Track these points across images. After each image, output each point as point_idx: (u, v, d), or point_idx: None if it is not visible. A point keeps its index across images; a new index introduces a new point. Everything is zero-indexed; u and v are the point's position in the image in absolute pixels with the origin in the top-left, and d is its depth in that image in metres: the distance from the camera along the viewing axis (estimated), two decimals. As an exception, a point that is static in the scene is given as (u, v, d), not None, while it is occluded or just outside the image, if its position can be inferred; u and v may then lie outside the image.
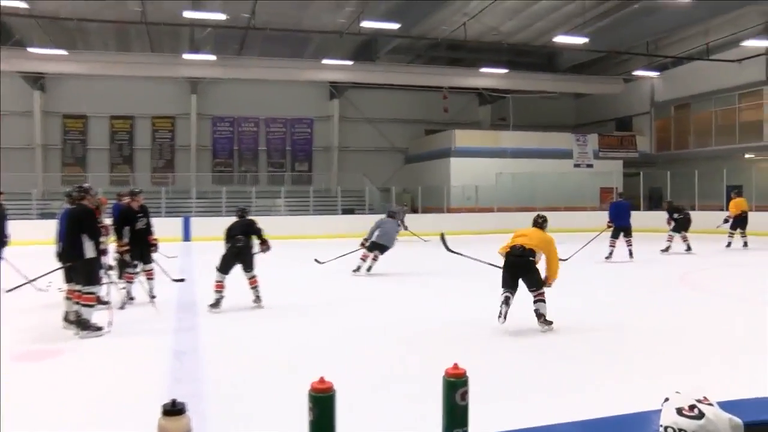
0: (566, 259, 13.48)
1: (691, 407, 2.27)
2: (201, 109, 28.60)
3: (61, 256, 7.22)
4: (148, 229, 9.04)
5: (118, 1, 20.36)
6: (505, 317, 6.85)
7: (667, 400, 2.36)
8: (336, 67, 25.29)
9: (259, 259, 9.19)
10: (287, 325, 7.74)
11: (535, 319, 6.99)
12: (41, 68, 24.04)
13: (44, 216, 20.50)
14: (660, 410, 2.34)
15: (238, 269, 8.54)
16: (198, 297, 9.23)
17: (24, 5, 17.60)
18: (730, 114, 26.12)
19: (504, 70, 26.28)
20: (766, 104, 24.29)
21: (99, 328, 6.91)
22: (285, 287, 10.52)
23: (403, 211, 20.59)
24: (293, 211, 25.93)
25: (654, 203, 26.93)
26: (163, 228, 10.26)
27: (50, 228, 8.11)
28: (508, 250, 7.09)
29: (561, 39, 21.80)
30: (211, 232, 12.96)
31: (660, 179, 25.43)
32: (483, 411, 3.48)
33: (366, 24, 20.27)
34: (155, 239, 9.16)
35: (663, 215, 16.33)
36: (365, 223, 22.96)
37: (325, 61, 24.47)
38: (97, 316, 7.02)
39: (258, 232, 8.79)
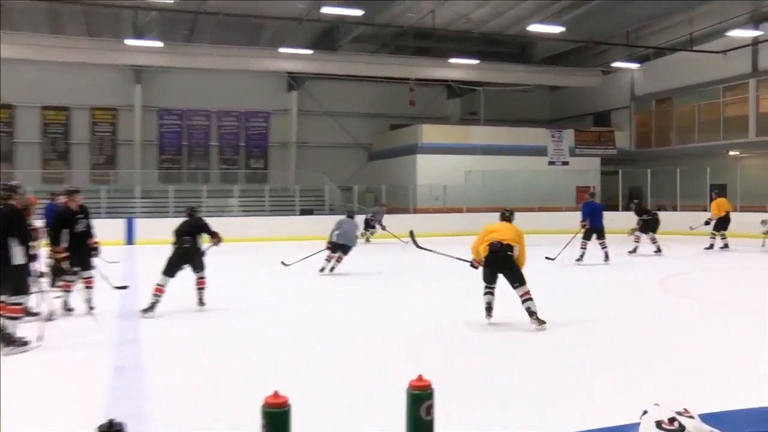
0: (554, 259, 13.83)
1: (671, 420, 2.30)
2: (146, 100, 28.19)
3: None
4: (88, 232, 8.77)
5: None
6: (490, 312, 7.72)
7: (645, 412, 2.39)
8: (294, 57, 25.17)
9: (211, 264, 9.13)
10: (240, 333, 7.68)
11: (508, 328, 7.07)
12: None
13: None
14: (638, 423, 2.37)
15: (185, 273, 8.45)
16: (142, 305, 9.07)
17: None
18: (714, 108, 26.73)
19: (474, 61, 26.46)
20: (752, 98, 24.90)
21: (25, 343, 6.66)
22: (237, 293, 10.48)
23: (381, 212, 20.71)
24: (247, 211, 25.73)
25: (634, 203, 27.42)
26: (104, 230, 10.07)
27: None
28: (488, 247, 7.70)
29: (536, 28, 22.04)
30: (157, 235, 12.82)
31: (640, 178, 25.89)
32: (455, 423, 3.48)
33: (327, 10, 20.22)
34: (96, 243, 8.93)
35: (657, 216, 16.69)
36: (325, 224, 22.84)
37: (282, 50, 24.33)
38: (24, 329, 6.81)
39: (205, 228, 8.96)
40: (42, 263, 8.49)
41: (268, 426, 2.81)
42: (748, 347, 6.84)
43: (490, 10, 24.07)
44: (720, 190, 19.12)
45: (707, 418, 2.35)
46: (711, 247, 17.01)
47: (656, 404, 2.40)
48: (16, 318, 6.70)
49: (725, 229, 17.12)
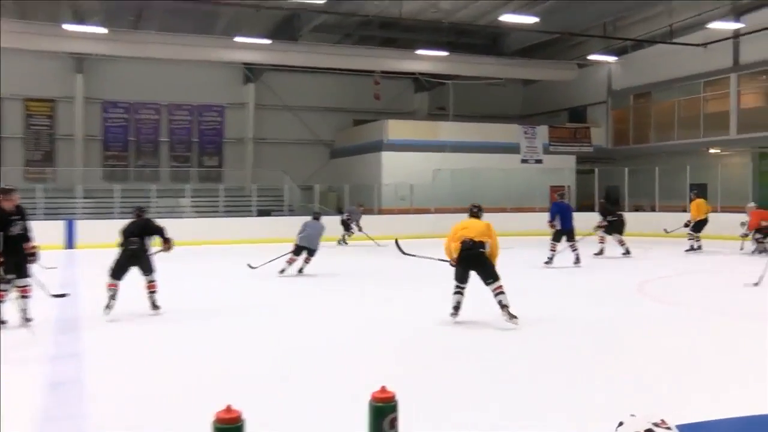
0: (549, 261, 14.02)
1: None
2: (89, 91, 27.74)
3: None
4: (24, 236, 8.51)
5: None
6: (457, 311, 8.21)
7: (621, 424, 2.41)
8: (251, 47, 25.00)
9: (162, 269, 9.03)
10: (192, 343, 7.59)
11: (478, 336, 7.11)
12: None
13: None
14: (614, 435, 2.39)
15: (136, 278, 8.37)
16: (83, 315, 8.92)
17: None
18: (694, 104, 27.22)
19: (443, 53, 26.56)
20: (733, 94, 25.42)
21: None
22: (189, 299, 10.38)
23: (358, 212, 20.76)
24: (201, 212, 25.48)
25: (611, 203, 27.79)
26: (42, 233, 9.85)
27: None
28: (460, 245, 8.18)
29: (508, 18, 22.20)
30: (101, 238, 12.64)
31: (617, 177, 26.25)
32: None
33: (286, -4, 20.14)
34: (34, 247, 8.71)
35: (624, 216, 16.99)
36: (284, 226, 22.85)
37: (238, 39, 24.14)
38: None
39: (158, 231, 9.06)
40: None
41: (219, 443, 2.77)
42: (729, 354, 6.98)
43: (460, -2, 24.20)
44: (699, 190, 19.50)
45: (686, 429, 2.37)
46: (691, 249, 17.36)
47: (632, 415, 2.42)
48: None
49: (700, 231, 17.55)
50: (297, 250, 13.32)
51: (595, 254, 16.15)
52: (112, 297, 8.73)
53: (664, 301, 10.51)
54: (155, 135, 29.15)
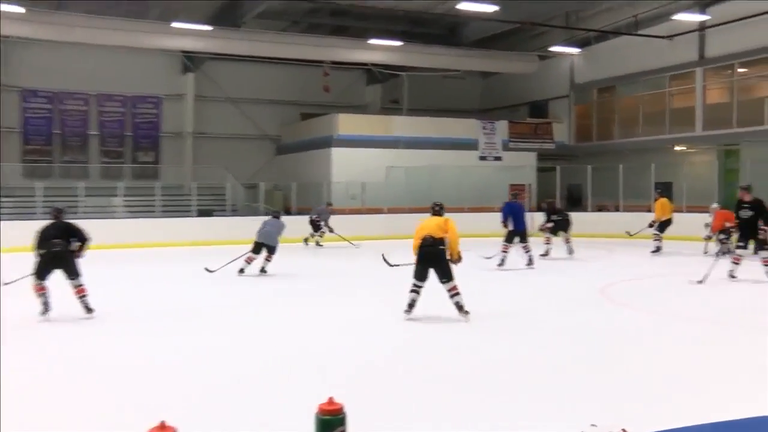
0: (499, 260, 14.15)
1: (610, 441, 2.34)
2: (6, 79, 26.96)
3: None
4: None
5: None
6: (411, 308, 8.91)
7: (582, 433, 2.43)
8: (190, 33, 24.69)
9: (88, 274, 8.90)
10: (126, 351, 7.50)
11: (437, 343, 7.14)
12: None
13: None
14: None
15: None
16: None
17: None
18: (659, 99, 27.78)
19: (397, 43, 26.61)
20: (699, 88, 26.01)
21: None
22: (119, 306, 10.17)
23: (326, 212, 20.77)
24: (135, 212, 25.07)
25: (573, 202, 28.19)
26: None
27: None
28: (420, 242, 8.86)
29: (466, 6, 22.32)
30: (20, 240, 12.28)
31: (580, 175, 26.63)
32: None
33: (227, -22, 19.98)
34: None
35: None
36: (227, 227, 22.68)
37: (175, 25, 23.83)
38: None
39: (80, 234, 9.10)
40: None
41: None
42: (693, 361, 7.15)
43: (415, -16, 24.30)
44: (663, 190, 19.91)
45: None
46: (657, 250, 17.72)
47: (593, 425, 2.43)
48: None
49: (664, 231, 17.98)
50: (256, 248, 13.89)
51: (541, 255, 16.41)
52: (45, 301, 8.85)
53: (628, 306, 10.68)
54: (83, 128, 28.58)
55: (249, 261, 13.85)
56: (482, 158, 29.13)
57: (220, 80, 30.20)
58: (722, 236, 14.28)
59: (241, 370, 6.82)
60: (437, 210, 9.41)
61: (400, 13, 25.45)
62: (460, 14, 24.91)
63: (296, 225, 19.57)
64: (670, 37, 25.86)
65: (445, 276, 8.81)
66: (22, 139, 27.76)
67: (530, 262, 14.86)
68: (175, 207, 25.86)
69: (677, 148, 27.26)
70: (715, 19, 24.29)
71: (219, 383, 6.34)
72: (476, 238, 18.89)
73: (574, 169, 27.57)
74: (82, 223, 9.60)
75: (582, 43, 29.31)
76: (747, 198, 12.75)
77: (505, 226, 14.94)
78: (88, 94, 28.51)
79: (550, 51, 29.34)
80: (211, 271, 13.81)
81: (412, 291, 8.98)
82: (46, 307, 8.86)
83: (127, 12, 24.55)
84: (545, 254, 16.68)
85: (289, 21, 27.85)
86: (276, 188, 28.42)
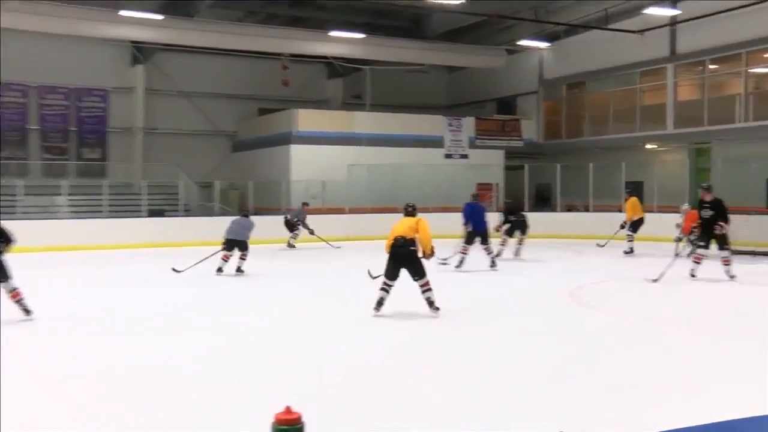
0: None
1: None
2: (-66, 68, 26.45)
3: None
4: None
5: None
6: (380, 306, 9.52)
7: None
8: (140, 22, 24.44)
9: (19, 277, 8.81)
10: (76, 357, 7.46)
11: (400, 351, 7.16)
12: None
13: None
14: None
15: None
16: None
17: None
18: (630, 96, 28.14)
19: (360, 35, 26.60)
20: (670, 85, 26.40)
21: None
22: (74, 314, 10.12)
23: (303, 212, 20.85)
24: (80, 212, 24.73)
25: (542, 202, 28.43)
26: None
27: None
28: (392, 242, 9.53)
29: (431, -3, 22.46)
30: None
31: (548, 173, 26.86)
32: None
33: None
34: None
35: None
36: (180, 227, 22.48)
37: (124, 13, 23.61)
38: None
39: (3, 235, 9.02)
40: None
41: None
42: (664, 365, 7.27)
43: (378, -26, 24.32)
44: (633, 189, 20.18)
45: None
46: (631, 251, 17.95)
47: (561, 431, 2.47)
48: None
49: (637, 231, 18.24)
50: (227, 246, 14.51)
51: (487, 255, 16.55)
52: None
53: (599, 309, 10.82)
54: (23, 122, 28.09)
55: (225, 259, 14.43)
56: (448, 156, 29.24)
57: (172, 73, 29.94)
58: (693, 237, 14.56)
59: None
60: (410, 211, 10.09)
61: (362, 4, 25.48)
62: (425, 6, 25.02)
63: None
64: (640, 31, 26.21)
65: (417, 274, 9.56)
66: (-47, 134, 27.25)
67: (493, 264, 15.12)
68: (124, 207, 25.57)
69: (648, 146, 27.64)
70: (686, 13, 24.65)
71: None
72: (442, 239, 18.91)
73: (542, 168, 27.80)
74: (22, 224, 9.52)
75: (551, 37, 29.57)
76: (708, 198, 13.39)
77: (468, 228, 15.13)
78: (28, 86, 27.98)
79: (519, 45, 29.54)
80: (178, 271, 14.11)
81: (382, 289, 9.61)
82: None
83: (72, -2, 24.24)
84: (496, 255, 16.76)
85: (246, 11, 27.72)
86: (232, 187, 28.23)
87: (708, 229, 13.22)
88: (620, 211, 20.15)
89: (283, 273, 15.78)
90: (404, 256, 9.53)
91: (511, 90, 32.45)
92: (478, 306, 10.97)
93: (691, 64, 26.13)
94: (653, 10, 24.06)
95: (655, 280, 12.81)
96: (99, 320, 9.76)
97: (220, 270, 14.28)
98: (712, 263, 13.40)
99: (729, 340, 8.57)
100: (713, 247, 13.43)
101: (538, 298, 11.79)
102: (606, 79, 28.85)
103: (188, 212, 25.67)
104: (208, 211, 25.90)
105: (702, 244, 13.34)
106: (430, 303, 9.59)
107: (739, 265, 13.76)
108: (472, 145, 29.79)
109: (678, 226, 16.99)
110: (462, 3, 22.37)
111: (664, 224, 18.65)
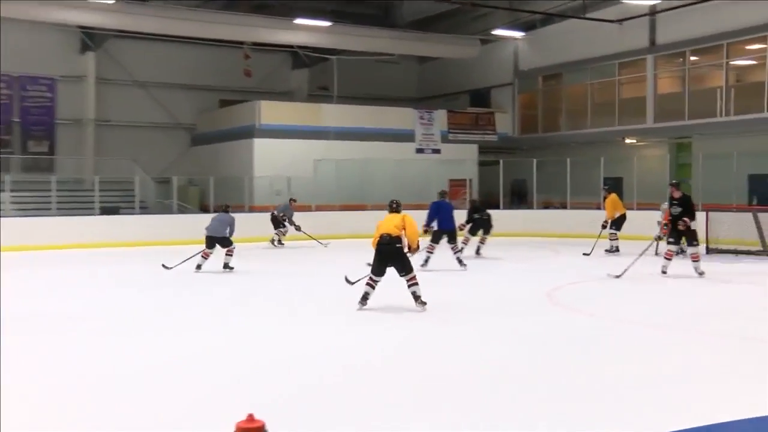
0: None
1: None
2: None
3: None
4: None
5: None
6: (365, 302, 10.15)
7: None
8: (89, 6, 24.30)
9: None
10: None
11: (372, 357, 7.24)
12: None
13: None
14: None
15: None
16: None
17: None
18: (608, 88, 28.40)
19: (326, 23, 26.55)
20: (650, 77, 26.66)
21: None
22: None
23: (290, 208, 21.05)
24: (25, 210, 24.46)
25: (518, 199, 28.59)
26: None
27: None
28: (378, 239, 10.14)
29: (401, -17, 22.50)
30: None
31: (524, 169, 27.01)
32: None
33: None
34: None
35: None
36: (136, 226, 22.31)
37: (73, -4, 23.43)
38: None
39: None
40: None
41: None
42: (653, 368, 7.32)
43: (345, -41, 24.30)
44: (612, 185, 20.35)
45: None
46: (615, 249, 18.09)
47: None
48: None
49: (621, 228, 18.41)
50: (208, 243, 15.08)
51: (455, 254, 16.69)
52: None
53: (577, 310, 10.89)
54: (-41, 112, 27.71)
55: (205, 256, 15.03)
56: (419, 151, 29.29)
57: (125, 61, 29.67)
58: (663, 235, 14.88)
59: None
60: (395, 207, 10.77)
61: (329, -10, 25.44)
62: (395, -8, 25.02)
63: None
64: (619, 21, 26.42)
65: (404, 270, 10.19)
66: None
67: (461, 263, 15.27)
68: (75, 204, 25.23)
69: (628, 140, 27.88)
70: (666, 3, 24.86)
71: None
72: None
73: (518, 163, 27.96)
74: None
75: (527, 27, 29.74)
76: (676, 195, 14.07)
77: (427, 229, 15.29)
78: (-36, 74, 27.60)
79: (493, 34, 29.64)
80: (168, 268, 14.74)
81: (368, 284, 10.27)
82: None
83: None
84: (459, 251, 16.99)
85: (205, -4, 27.55)
86: (191, 183, 28.08)
87: (677, 226, 13.83)
88: (599, 208, 20.28)
89: (271, 272, 16.11)
90: (391, 254, 10.13)
91: (485, 82, 32.58)
92: (454, 306, 11.02)
93: (672, 56, 26.44)
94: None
95: (618, 276, 13.45)
96: (58, 325, 9.67)
97: (198, 267, 14.88)
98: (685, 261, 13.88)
99: (713, 340, 8.69)
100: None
101: (513, 298, 11.87)
102: (584, 71, 29.07)
103: (144, 210, 25.45)
104: (165, 209, 25.70)
105: (672, 240, 14.00)
106: (416, 297, 10.14)
107: (721, 265, 13.94)
108: (445, 139, 29.87)
109: (659, 223, 17.15)
110: (434, -10, 22.45)
111: (644, 222, 18.80)
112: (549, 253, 19.09)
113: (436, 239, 15.36)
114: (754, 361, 7.63)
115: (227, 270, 15.01)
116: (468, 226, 17.68)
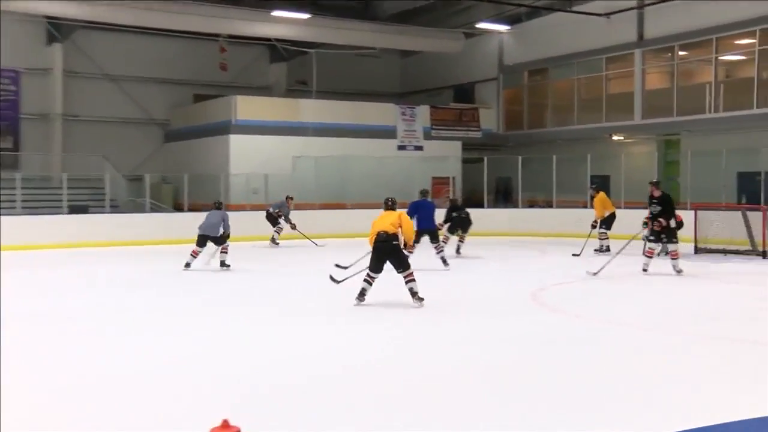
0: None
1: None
2: None
3: None
4: None
5: None
6: (362, 297, 10.58)
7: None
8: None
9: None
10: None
11: (355, 362, 7.25)
12: None
13: None
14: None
15: None
16: None
17: None
18: (595, 83, 28.52)
19: (305, 15, 26.52)
20: (638, 72, 26.80)
21: None
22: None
23: (286, 206, 21.16)
24: (-9, 209, 24.29)
25: (502, 197, 28.67)
26: None
27: None
28: (375, 237, 10.53)
29: (382, -26, 22.51)
30: None
31: (509, 167, 27.07)
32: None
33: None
34: None
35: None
36: (106, 225, 22.20)
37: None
38: None
39: None
40: None
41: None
42: (625, 372, 7.38)
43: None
44: (599, 183, 20.43)
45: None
46: (606, 249, 18.15)
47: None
48: None
49: (611, 227, 18.51)
50: (200, 241, 15.24)
51: (437, 253, 16.78)
52: None
53: (562, 311, 10.94)
54: None
55: (194, 254, 15.19)
56: (401, 147, 29.31)
57: (95, 54, 29.52)
58: (662, 235, 14.93)
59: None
60: (390, 205, 11.23)
61: (307, -19, 25.40)
62: (376, -16, 25.03)
63: (188, 223, 19.36)
64: (607, 15, 26.52)
65: (401, 266, 10.62)
66: None
67: (444, 263, 15.41)
68: (41, 202, 25.03)
69: (615, 137, 28.02)
70: (655, -4, 25.11)
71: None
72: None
73: (503, 161, 28.02)
74: None
75: (512, 20, 29.78)
76: (656, 193, 14.50)
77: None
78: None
79: (477, 28, 29.69)
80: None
81: (366, 281, 10.69)
82: None
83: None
84: (440, 250, 17.07)
85: (179, -13, 27.43)
86: (165, 181, 27.97)
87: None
88: (586, 206, 20.37)
89: (266, 271, 16.33)
90: (388, 250, 10.56)
91: (468, 77, 32.65)
92: (443, 306, 11.06)
93: (660, 51, 26.58)
94: (620, -8, 24.49)
95: (595, 274, 14.02)
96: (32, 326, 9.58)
97: (187, 265, 15.07)
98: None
99: (704, 341, 8.78)
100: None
101: (498, 298, 11.97)
102: (570, 66, 29.19)
103: (115, 208, 25.28)
104: (138, 208, 25.56)
105: (652, 238, 14.40)
106: (414, 293, 10.51)
107: (710, 264, 14.03)
108: (427, 135, 29.91)
109: (645, 224, 17.23)
110: (416, -19, 22.48)
111: (630, 221, 18.84)
112: (535, 253, 19.14)
113: (416, 239, 15.38)
114: (745, 362, 7.70)
115: (224, 268, 15.19)
116: (446, 225, 17.79)
